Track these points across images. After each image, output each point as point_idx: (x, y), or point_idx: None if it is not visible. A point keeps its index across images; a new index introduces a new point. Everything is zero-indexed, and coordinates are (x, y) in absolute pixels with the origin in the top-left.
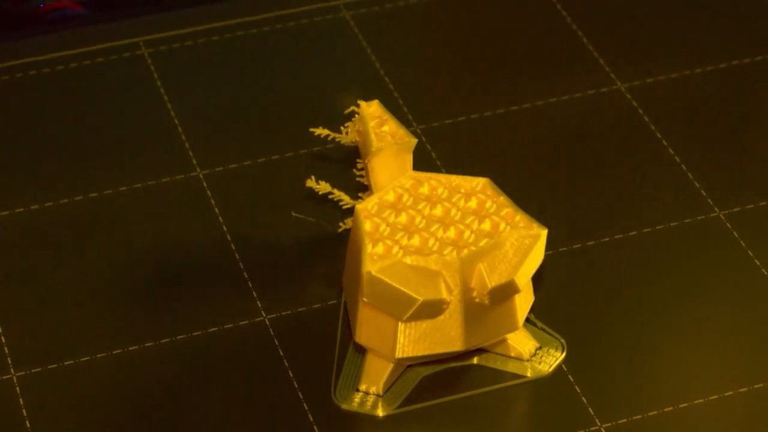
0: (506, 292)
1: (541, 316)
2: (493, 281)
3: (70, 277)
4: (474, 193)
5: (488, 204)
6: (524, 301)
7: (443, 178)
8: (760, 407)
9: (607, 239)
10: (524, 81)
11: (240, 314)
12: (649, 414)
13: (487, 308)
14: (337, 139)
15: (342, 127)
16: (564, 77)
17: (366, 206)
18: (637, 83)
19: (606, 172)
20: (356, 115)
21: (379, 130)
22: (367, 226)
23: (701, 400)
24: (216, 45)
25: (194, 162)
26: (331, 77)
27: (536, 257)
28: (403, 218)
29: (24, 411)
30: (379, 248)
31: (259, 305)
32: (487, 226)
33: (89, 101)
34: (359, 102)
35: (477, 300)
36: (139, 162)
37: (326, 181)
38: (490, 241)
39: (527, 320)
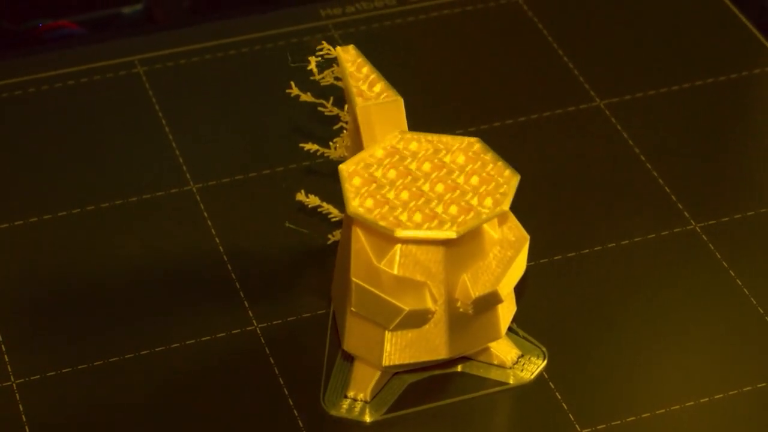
0: (489, 302)
1: (523, 326)
2: (476, 291)
3: (68, 287)
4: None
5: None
6: (507, 311)
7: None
8: (735, 413)
9: (587, 251)
10: (507, 98)
11: (232, 323)
12: (627, 420)
13: (470, 318)
14: (326, 154)
15: (331, 143)
16: (545, 94)
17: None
18: (615, 100)
19: (586, 186)
20: (344, 131)
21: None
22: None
23: (677, 407)
24: (209, 63)
25: (188, 176)
26: (320, 95)
27: (518, 268)
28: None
29: (23, 417)
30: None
31: (251, 314)
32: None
33: (86, 117)
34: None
35: (461, 310)
36: (134, 176)
37: (315, 195)
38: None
39: (510, 329)
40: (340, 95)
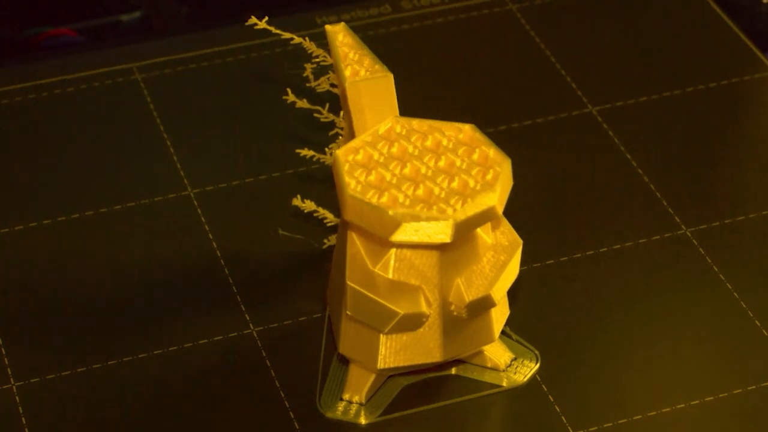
0: (483, 305)
1: (516, 329)
2: (470, 295)
3: (68, 290)
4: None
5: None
6: (500, 314)
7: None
8: (726, 416)
9: (579, 255)
10: (500, 105)
11: (229, 327)
12: (619, 422)
13: (464, 321)
14: (321, 160)
15: (326, 149)
16: (538, 101)
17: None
18: (607, 106)
19: (578, 191)
20: (339, 137)
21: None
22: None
23: (668, 409)
24: (206, 71)
25: (185, 182)
26: (316, 101)
27: (512, 272)
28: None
29: (23, 419)
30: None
31: (248, 318)
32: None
33: (85, 124)
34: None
35: (455, 313)
36: (133, 182)
37: (311, 200)
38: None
39: (503, 332)
40: (335, 102)
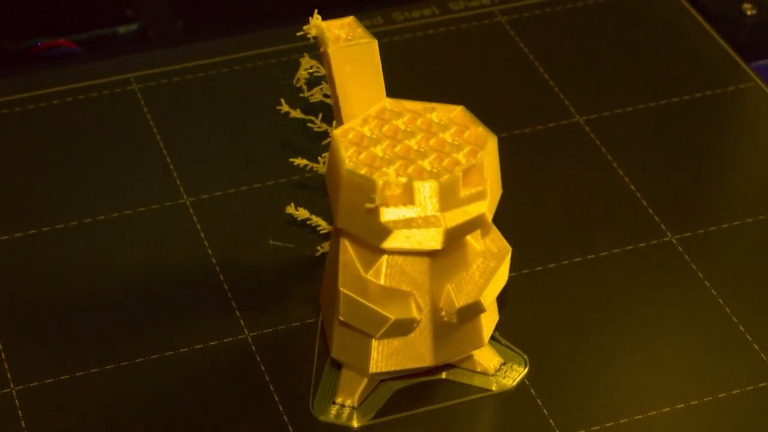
0: (473, 311)
1: (505, 334)
2: (460, 301)
3: (67, 296)
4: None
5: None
6: (489, 320)
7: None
8: (710, 419)
9: (567, 262)
10: (489, 115)
11: (224, 332)
12: (606, 425)
13: (454, 326)
14: (314, 169)
15: (319, 158)
16: (526, 111)
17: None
18: (594, 116)
19: (566, 199)
20: None
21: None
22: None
23: (654, 412)
24: (202, 81)
25: (181, 190)
26: (309, 111)
27: (501, 278)
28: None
29: (22, 422)
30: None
31: (242, 323)
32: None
33: (83, 133)
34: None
35: (445, 319)
36: (130, 190)
37: (305, 208)
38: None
39: (492, 338)
40: (328, 112)
